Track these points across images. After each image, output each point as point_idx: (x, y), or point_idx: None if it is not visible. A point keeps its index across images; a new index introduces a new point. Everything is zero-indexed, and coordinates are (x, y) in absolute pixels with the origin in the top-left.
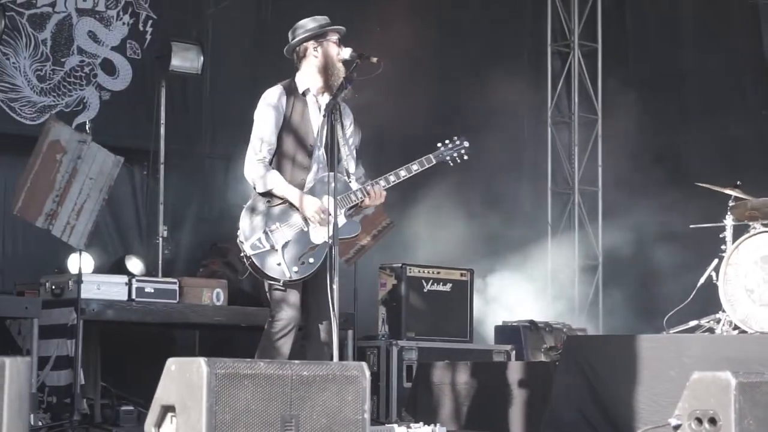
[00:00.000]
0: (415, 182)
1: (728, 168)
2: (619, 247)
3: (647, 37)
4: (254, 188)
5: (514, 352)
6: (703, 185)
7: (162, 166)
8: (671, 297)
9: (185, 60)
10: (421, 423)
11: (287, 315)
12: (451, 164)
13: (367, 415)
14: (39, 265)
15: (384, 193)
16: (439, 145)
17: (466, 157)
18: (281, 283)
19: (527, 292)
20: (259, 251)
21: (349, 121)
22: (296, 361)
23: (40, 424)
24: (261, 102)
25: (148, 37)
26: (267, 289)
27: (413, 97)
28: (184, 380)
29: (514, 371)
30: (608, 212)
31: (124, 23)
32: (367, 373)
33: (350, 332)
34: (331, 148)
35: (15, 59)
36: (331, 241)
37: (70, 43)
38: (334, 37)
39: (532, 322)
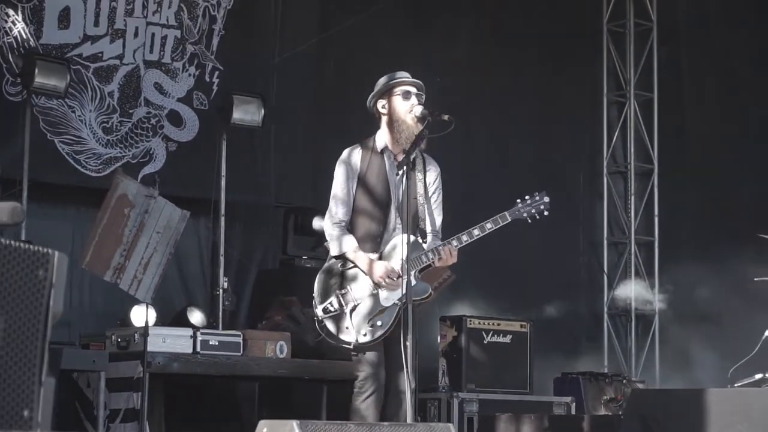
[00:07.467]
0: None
1: None
2: (676, 297)
3: (703, 87)
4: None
5: (574, 404)
6: (766, 236)
7: (222, 218)
8: (734, 350)
9: (246, 113)
10: None
11: (367, 375)
12: (529, 221)
13: None
14: (103, 317)
15: (456, 252)
16: (518, 201)
17: (546, 213)
18: (353, 347)
19: (583, 342)
20: (330, 314)
21: (435, 175)
22: (386, 423)
23: None
24: (339, 161)
25: (215, 88)
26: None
27: (471, 146)
28: None
29: (578, 424)
30: (665, 262)
31: (190, 74)
32: None
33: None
34: (404, 207)
35: (81, 112)
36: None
37: (137, 94)
38: (401, 92)
39: (591, 373)
